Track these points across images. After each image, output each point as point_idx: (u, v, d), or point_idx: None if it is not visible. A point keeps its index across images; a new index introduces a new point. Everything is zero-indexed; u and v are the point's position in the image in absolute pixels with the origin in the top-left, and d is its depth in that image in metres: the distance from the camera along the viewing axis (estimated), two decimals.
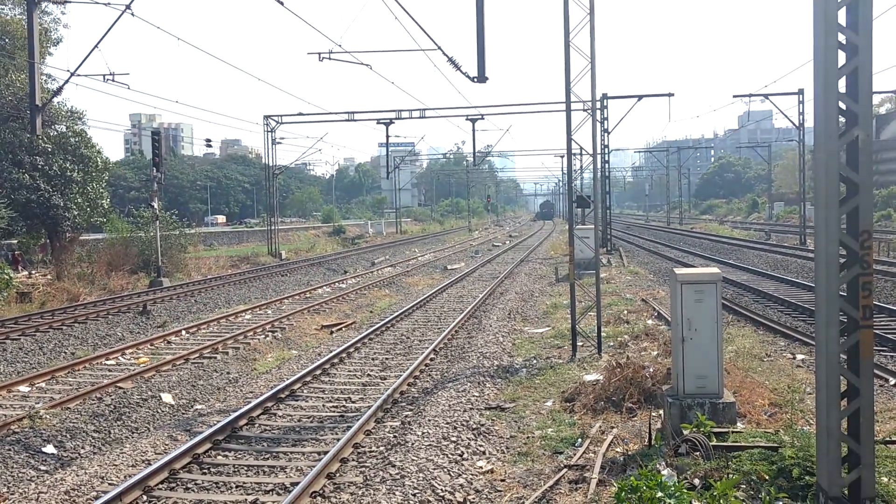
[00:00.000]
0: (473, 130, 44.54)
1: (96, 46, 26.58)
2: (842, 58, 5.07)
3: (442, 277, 32.33)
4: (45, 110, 28.39)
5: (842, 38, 5.05)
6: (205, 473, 8.77)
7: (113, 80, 27.97)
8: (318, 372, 13.80)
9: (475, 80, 16.85)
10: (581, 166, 41.65)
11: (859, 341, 5.08)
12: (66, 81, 27.62)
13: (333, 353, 15.09)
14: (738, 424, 8.45)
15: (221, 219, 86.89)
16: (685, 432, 7.48)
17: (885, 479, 6.24)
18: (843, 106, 5.10)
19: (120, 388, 12.98)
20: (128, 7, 24.64)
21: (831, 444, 5.06)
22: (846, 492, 5.14)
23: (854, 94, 5.07)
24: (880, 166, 64.19)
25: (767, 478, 6.44)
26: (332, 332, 19.19)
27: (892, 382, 11.27)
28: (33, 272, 28.17)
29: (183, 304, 23.59)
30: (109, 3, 25.01)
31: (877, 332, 14.50)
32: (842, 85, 5.11)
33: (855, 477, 5.11)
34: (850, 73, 5.07)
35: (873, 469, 5.18)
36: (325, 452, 9.02)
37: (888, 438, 7.54)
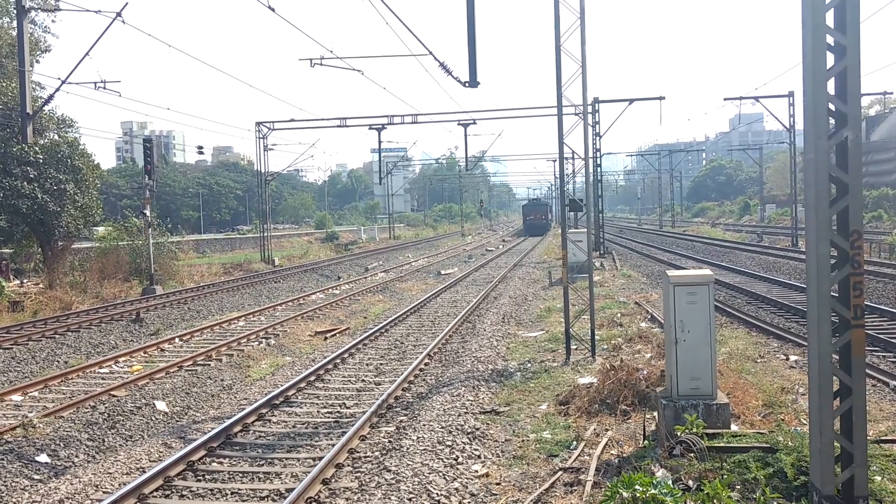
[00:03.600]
0: (466, 135, 44.73)
1: (87, 54, 26.57)
2: (830, 59, 5.11)
3: (436, 282, 32.32)
4: (36, 118, 28.30)
5: (830, 39, 5.09)
6: (200, 480, 8.74)
7: (104, 88, 27.96)
8: (313, 378, 13.77)
9: (467, 84, 16.87)
10: (573, 170, 41.72)
11: (851, 341, 5.11)
12: (57, 89, 27.57)
13: (328, 358, 15.07)
14: (733, 426, 8.47)
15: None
16: (679, 434, 7.50)
17: (878, 478, 6.28)
18: (832, 107, 5.14)
19: (113, 396, 12.93)
20: (118, 14, 24.64)
21: (824, 443, 5.09)
22: (839, 490, 5.17)
23: (843, 95, 5.11)
24: (871, 167, 64.59)
25: (762, 478, 6.46)
26: (325, 338, 19.15)
27: (892, 385, 11.27)
28: (25, 281, 28.06)
29: (176, 312, 23.51)
30: (100, 11, 25.01)
31: (868, 331, 14.58)
32: (831, 86, 5.15)
33: (848, 476, 5.13)
34: (838, 74, 5.11)
35: (866, 468, 5.21)
36: (321, 458, 9.00)
37: (881, 437, 7.57)
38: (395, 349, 16.79)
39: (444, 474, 8.32)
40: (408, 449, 9.15)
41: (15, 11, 27.96)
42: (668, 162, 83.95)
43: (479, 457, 9.04)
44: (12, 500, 8.45)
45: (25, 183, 25.64)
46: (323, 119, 41.69)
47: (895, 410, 9.98)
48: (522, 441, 9.55)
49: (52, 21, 34.77)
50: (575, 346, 14.78)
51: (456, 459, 8.85)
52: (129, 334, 19.97)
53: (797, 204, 44.23)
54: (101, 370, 15.36)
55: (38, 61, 32.48)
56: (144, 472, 8.84)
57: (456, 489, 7.94)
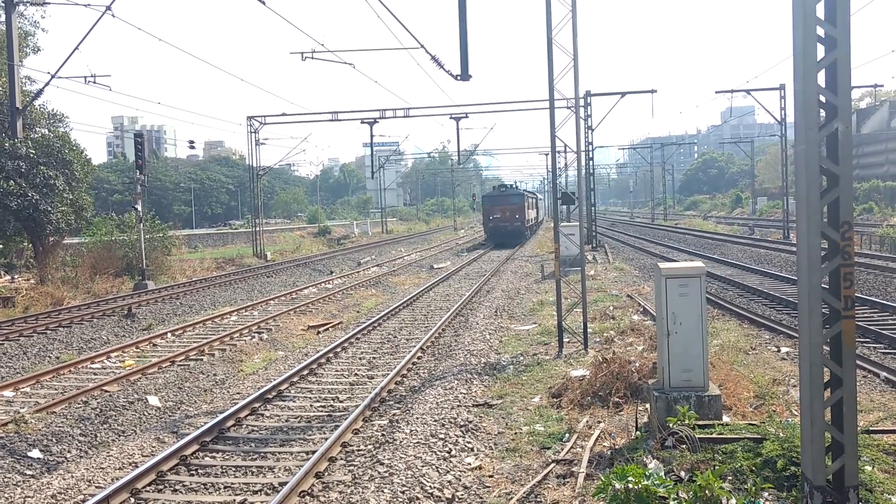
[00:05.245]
0: (458, 129, 44.63)
1: (77, 48, 26.41)
2: (821, 51, 5.12)
3: (428, 276, 32.32)
4: (26, 113, 28.12)
5: (821, 31, 5.10)
6: (192, 475, 8.73)
7: (94, 82, 27.80)
8: (306, 372, 13.77)
9: (458, 78, 16.86)
10: (566, 163, 41.77)
11: (842, 331, 5.12)
12: (47, 84, 27.38)
13: (320, 353, 15.06)
14: (724, 417, 8.51)
15: None
16: (671, 425, 7.53)
17: (869, 468, 6.32)
18: (822, 99, 5.15)
19: (106, 391, 12.90)
20: (108, 8, 24.46)
21: (815, 433, 5.11)
22: (830, 480, 5.20)
23: (833, 87, 5.11)
24: (861, 160, 64.84)
25: (753, 469, 6.49)
26: (318, 333, 19.14)
27: (882, 376, 11.34)
28: (16, 276, 27.90)
29: (168, 307, 23.45)
30: (89, 5, 24.83)
31: (859, 322, 14.66)
32: (821, 78, 5.15)
33: (838, 466, 5.16)
34: (829, 66, 5.12)
35: (856, 458, 5.24)
36: (314, 452, 9.00)
37: (871, 427, 7.62)
38: (387, 343, 16.79)
39: (437, 467, 8.34)
40: (401, 442, 9.16)
41: (3, 5, 27.75)
42: (660, 155, 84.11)
43: (472, 449, 9.06)
44: (5, 496, 8.42)
45: (13, 181, 25.43)
46: (315, 113, 41.66)
47: (885, 401, 10.06)
48: (515, 433, 9.57)
49: (42, 17, 34.52)
50: (567, 339, 14.81)
51: (449, 452, 8.86)
52: (121, 329, 19.91)
53: (788, 196, 44.40)
54: (92, 365, 15.32)
55: (27, 55, 32.29)
56: (137, 466, 8.83)
57: (449, 482, 7.95)
